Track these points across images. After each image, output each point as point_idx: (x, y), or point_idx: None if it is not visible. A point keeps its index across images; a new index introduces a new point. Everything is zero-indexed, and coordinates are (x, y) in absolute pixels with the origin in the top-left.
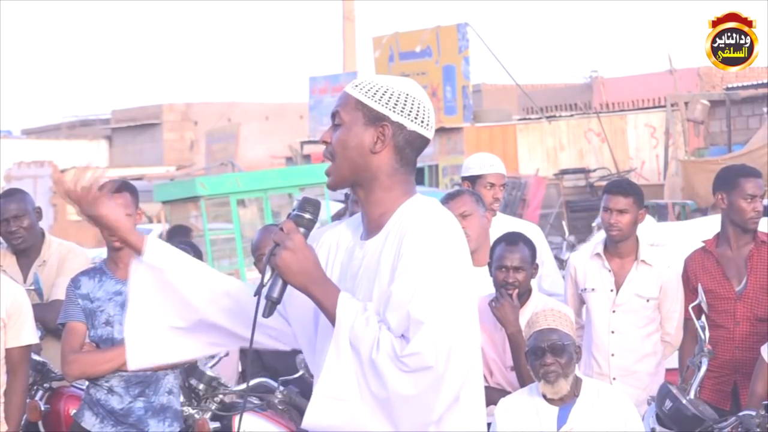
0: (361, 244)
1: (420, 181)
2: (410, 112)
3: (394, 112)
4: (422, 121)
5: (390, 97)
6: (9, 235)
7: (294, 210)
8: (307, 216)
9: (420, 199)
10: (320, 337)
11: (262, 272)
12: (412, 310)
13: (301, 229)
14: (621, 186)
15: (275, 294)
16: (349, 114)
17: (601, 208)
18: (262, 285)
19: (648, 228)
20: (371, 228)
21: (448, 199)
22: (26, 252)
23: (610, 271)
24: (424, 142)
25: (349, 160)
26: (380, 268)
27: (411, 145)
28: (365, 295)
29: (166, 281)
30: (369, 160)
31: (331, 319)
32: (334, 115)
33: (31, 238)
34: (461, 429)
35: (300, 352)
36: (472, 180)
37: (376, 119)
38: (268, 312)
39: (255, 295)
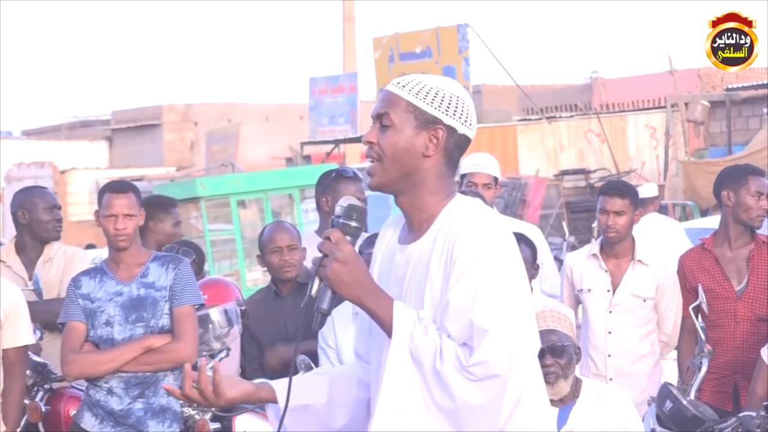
0: (402, 248)
1: None
2: (461, 114)
3: (446, 115)
4: (470, 124)
5: (442, 100)
6: (55, 224)
7: (338, 217)
8: (354, 224)
9: (463, 200)
10: (375, 346)
11: (310, 284)
12: (475, 319)
13: (348, 238)
14: (617, 187)
15: (325, 306)
16: (400, 116)
17: (598, 209)
18: (310, 296)
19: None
20: (413, 231)
21: None
22: (31, 250)
23: (606, 271)
24: (469, 143)
25: (400, 163)
26: (430, 274)
27: (459, 147)
28: (415, 302)
29: (310, 411)
30: (419, 164)
31: (387, 329)
32: (381, 116)
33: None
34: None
35: (301, 353)
36: (462, 180)
37: (428, 122)
38: (319, 324)
39: (302, 307)
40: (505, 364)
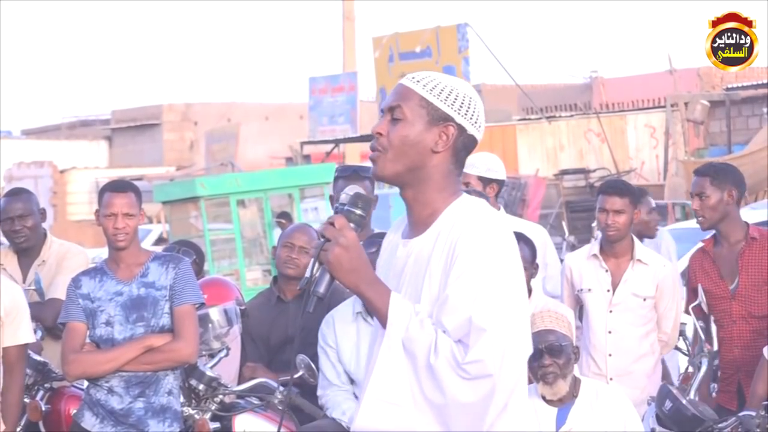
0: (404, 242)
1: None
2: (472, 115)
3: (459, 114)
4: (480, 126)
5: (455, 99)
6: (12, 234)
7: (344, 204)
8: (358, 212)
9: (469, 200)
10: (368, 337)
11: (310, 266)
12: (474, 317)
13: (352, 225)
14: (616, 186)
15: (321, 289)
16: (413, 110)
17: (597, 208)
18: (308, 279)
19: None
20: (416, 226)
21: None
22: (27, 252)
23: (606, 271)
24: (475, 144)
25: (408, 157)
26: (430, 269)
27: (466, 148)
28: (412, 295)
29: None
30: (427, 159)
31: (382, 319)
32: (392, 109)
33: (34, 238)
34: None
35: (299, 353)
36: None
37: (440, 119)
38: (313, 306)
39: (300, 289)
40: (499, 364)
